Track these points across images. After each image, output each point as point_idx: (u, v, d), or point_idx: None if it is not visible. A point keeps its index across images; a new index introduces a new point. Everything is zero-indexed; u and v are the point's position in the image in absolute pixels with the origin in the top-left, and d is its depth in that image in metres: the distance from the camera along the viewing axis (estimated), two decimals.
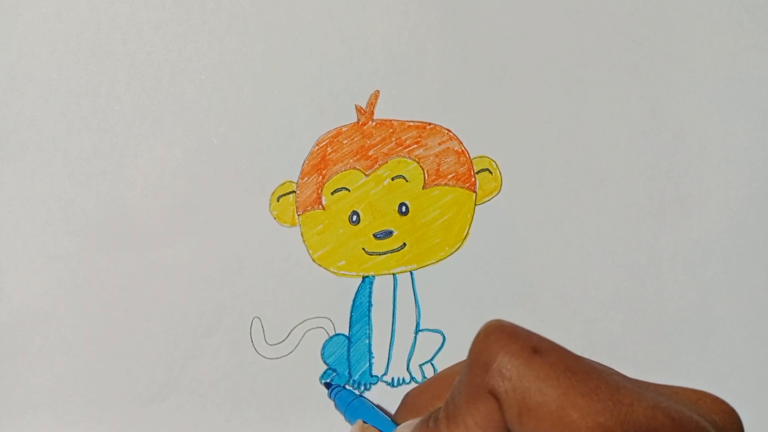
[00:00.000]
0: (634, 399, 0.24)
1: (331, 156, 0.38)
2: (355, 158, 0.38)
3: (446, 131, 0.38)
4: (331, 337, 0.38)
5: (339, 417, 0.38)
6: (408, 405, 0.33)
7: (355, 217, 0.38)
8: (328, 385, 0.38)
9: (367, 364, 0.39)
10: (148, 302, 0.38)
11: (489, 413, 0.25)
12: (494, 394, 0.25)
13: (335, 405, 0.38)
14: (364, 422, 0.33)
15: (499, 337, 0.25)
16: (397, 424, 0.32)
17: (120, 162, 0.38)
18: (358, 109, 0.38)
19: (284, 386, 0.38)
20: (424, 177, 0.38)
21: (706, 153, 0.39)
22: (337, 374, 0.38)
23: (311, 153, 0.38)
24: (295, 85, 0.38)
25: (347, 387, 0.38)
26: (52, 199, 0.37)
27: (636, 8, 0.39)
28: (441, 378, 0.32)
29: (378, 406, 0.37)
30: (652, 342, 0.39)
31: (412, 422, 0.29)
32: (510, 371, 0.24)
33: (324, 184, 0.38)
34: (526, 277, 0.39)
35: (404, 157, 0.38)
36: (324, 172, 0.38)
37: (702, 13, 0.39)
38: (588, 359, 0.25)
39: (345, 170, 0.38)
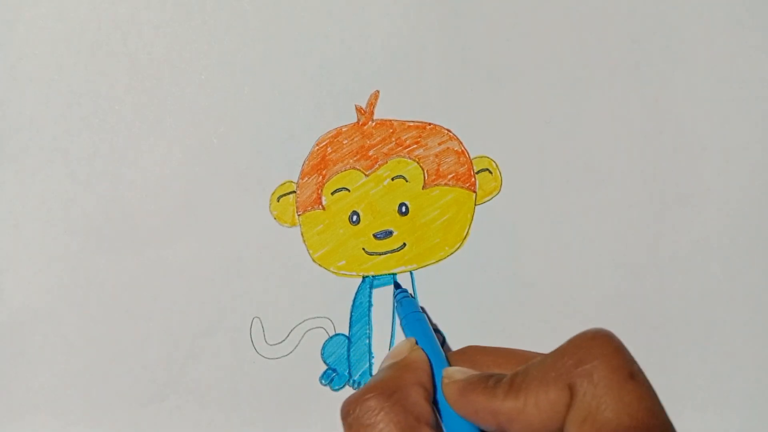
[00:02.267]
0: None
1: (331, 156, 0.38)
2: (355, 158, 0.38)
3: (446, 131, 0.38)
4: (331, 337, 0.38)
5: (339, 417, 0.38)
6: (467, 355, 0.32)
7: (355, 217, 0.38)
8: (397, 285, 0.38)
9: (367, 364, 0.39)
10: (148, 302, 0.38)
11: (555, 403, 0.25)
12: (572, 390, 0.25)
13: (394, 307, 0.37)
14: (417, 343, 0.33)
15: (605, 344, 0.25)
16: (449, 364, 0.32)
17: (120, 162, 0.38)
18: (358, 109, 0.38)
19: (284, 386, 0.38)
20: (424, 177, 0.38)
21: (706, 153, 0.39)
22: (337, 374, 0.38)
23: (311, 153, 0.38)
24: (295, 85, 0.38)
25: (411, 296, 0.38)
26: (52, 199, 0.38)
27: (636, 8, 0.39)
28: (509, 352, 0.32)
29: (434, 326, 0.37)
30: (652, 342, 0.39)
31: (468, 371, 0.29)
32: (600, 379, 0.24)
33: (324, 184, 0.38)
34: (526, 277, 0.39)
35: (404, 157, 0.38)
36: (324, 172, 0.38)
37: (702, 13, 0.39)
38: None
39: (345, 170, 0.38)
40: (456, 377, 0.29)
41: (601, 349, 0.25)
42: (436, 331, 0.39)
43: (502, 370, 0.28)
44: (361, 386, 0.29)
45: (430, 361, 0.31)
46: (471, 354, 0.32)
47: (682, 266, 0.39)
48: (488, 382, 0.27)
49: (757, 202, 0.39)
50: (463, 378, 0.29)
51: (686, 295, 0.39)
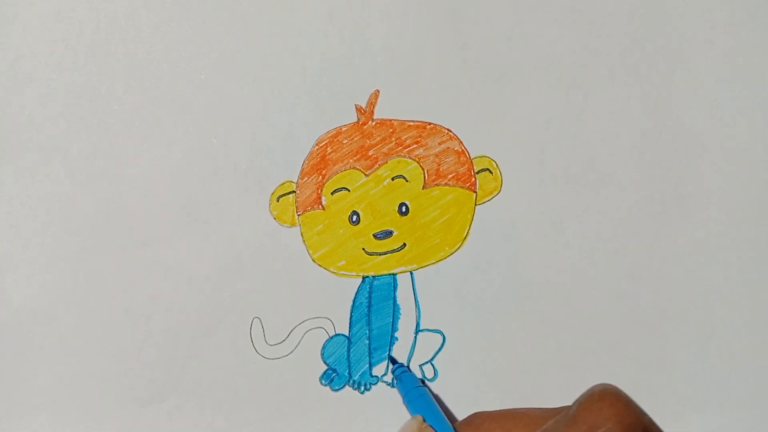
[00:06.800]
0: None
1: (331, 156, 0.38)
2: (355, 158, 0.38)
3: (446, 131, 0.38)
4: (331, 337, 0.38)
5: (339, 417, 0.38)
6: (474, 425, 0.32)
7: (355, 217, 0.38)
8: (393, 361, 0.38)
9: (367, 365, 0.39)
10: (148, 302, 0.38)
11: None
12: None
13: (394, 383, 0.37)
14: (424, 420, 0.33)
15: (615, 403, 0.25)
16: None
17: (120, 162, 0.38)
18: (358, 109, 0.38)
19: (284, 386, 0.38)
20: (424, 177, 0.38)
21: (706, 153, 0.39)
22: (337, 374, 0.38)
23: (311, 153, 0.38)
24: (295, 85, 0.38)
25: (410, 370, 0.38)
26: (52, 199, 0.37)
27: (636, 8, 0.39)
28: (515, 415, 0.32)
29: (436, 396, 0.37)
30: (652, 342, 0.39)
31: None
32: None
33: (324, 184, 0.38)
34: (526, 277, 0.39)
35: (404, 157, 0.38)
36: (324, 172, 0.38)
37: (702, 13, 0.39)
38: None
39: (345, 170, 0.38)
40: None
41: (611, 409, 0.25)
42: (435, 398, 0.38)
43: None
44: None
45: None
46: (479, 423, 0.32)
47: (682, 266, 0.39)
48: None
49: (757, 202, 0.39)
50: None
51: (686, 295, 0.39)
